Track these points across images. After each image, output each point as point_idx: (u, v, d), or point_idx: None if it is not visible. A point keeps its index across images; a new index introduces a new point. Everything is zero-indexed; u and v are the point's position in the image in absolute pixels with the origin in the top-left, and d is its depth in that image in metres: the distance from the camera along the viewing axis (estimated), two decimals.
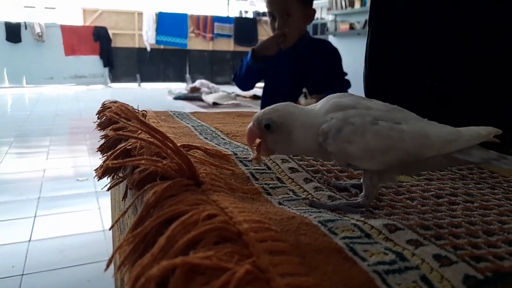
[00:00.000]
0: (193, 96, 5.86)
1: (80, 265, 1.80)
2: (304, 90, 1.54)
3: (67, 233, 2.09)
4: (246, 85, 1.58)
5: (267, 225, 0.26)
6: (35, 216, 2.09)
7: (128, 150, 0.39)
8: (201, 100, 5.55)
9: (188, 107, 4.96)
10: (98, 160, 0.45)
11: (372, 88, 0.69)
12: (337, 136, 0.33)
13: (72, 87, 7.02)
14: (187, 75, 8.28)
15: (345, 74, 1.65)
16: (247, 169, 0.43)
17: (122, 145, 0.39)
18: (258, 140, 0.37)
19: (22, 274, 1.63)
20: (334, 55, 1.61)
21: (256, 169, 0.43)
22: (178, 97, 5.83)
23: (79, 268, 1.79)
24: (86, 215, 2.09)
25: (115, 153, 0.38)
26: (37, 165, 2.74)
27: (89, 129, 3.20)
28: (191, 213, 0.26)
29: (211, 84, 6.61)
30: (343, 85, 1.59)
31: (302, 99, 1.53)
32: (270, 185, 0.39)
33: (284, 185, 0.40)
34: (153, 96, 6.23)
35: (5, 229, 2.01)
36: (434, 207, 0.36)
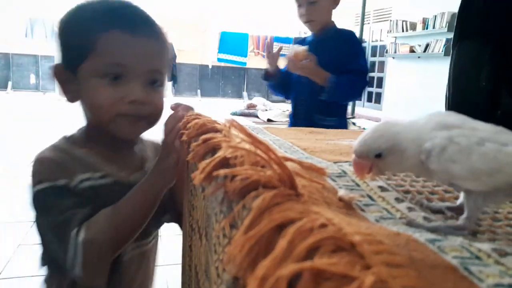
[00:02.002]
0: (249, 112, 5.97)
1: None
2: None
3: None
4: (277, 94, 1.63)
5: (379, 238, 0.26)
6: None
7: (226, 159, 0.41)
8: (257, 116, 5.64)
9: (244, 123, 5.05)
10: None
11: (456, 110, 0.68)
12: (441, 155, 0.33)
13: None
14: (244, 92, 8.46)
15: (364, 70, 1.58)
16: (336, 184, 0.43)
17: (221, 153, 0.41)
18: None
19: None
20: (353, 44, 1.55)
21: (345, 185, 0.44)
22: (235, 113, 5.97)
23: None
24: None
25: (215, 161, 0.40)
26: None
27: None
28: (305, 220, 0.27)
29: (267, 102, 6.70)
30: (357, 79, 1.52)
31: None
32: (363, 202, 0.39)
33: (375, 203, 0.40)
34: (214, 110, 6.44)
35: None
36: None
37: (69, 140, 0.79)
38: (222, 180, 0.42)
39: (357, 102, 7.40)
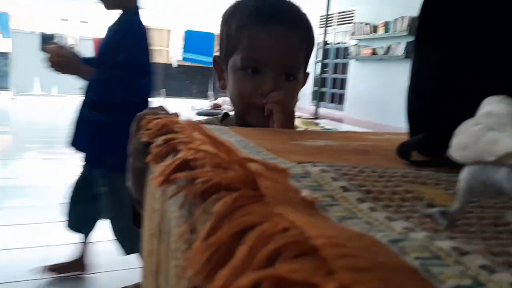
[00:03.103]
0: (214, 112, 5.94)
1: (101, 272, 1.81)
2: None
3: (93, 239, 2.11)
4: None
5: (342, 241, 0.26)
6: (55, 222, 2.12)
7: (187, 160, 0.39)
8: None
9: None
10: None
11: (416, 113, 0.69)
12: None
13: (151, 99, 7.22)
14: (210, 92, 8.41)
15: (133, 63, 1.55)
16: (300, 184, 0.43)
17: (181, 155, 0.40)
18: None
19: (38, 279, 1.64)
20: (124, 35, 1.45)
21: (308, 185, 0.43)
22: (200, 113, 5.93)
23: (101, 276, 1.80)
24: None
25: (175, 164, 0.38)
26: (60, 172, 2.80)
27: None
28: (266, 225, 0.26)
29: None
30: (124, 74, 1.47)
31: None
32: (326, 203, 0.39)
33: (338, 203, 0.40)
34: (178, 110, 6.36)
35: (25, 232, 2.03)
36: (496, 234, 0.36)
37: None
38: (182, 183, 0.40)
39: (320, 103, 7.53)
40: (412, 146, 0.64)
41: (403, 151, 0.63)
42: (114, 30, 1.56)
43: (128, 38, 1.54)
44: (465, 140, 0.38)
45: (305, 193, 0.39)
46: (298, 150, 0.65)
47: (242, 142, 0.65)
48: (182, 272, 0.36)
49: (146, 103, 1.88)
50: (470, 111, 0.64)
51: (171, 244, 0.52)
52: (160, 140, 0.49)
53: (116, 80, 1.52)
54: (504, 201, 0.48)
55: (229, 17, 0.89)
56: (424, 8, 0.66)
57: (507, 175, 0.33)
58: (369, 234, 0.30)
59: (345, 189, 0.44)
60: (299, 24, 0.86)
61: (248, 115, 0.85)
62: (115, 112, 1.67)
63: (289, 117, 0.87)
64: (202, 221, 0.36)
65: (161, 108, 0.78)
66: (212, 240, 0.27)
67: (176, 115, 0.73)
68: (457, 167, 0.60)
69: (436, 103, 0.66)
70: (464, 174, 0.37)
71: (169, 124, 0.56)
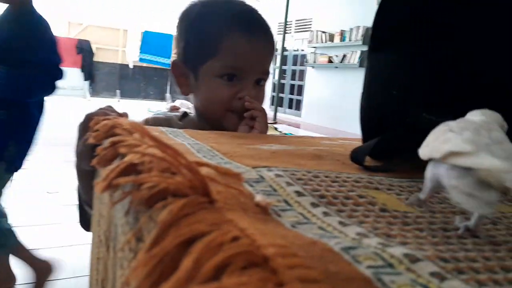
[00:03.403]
0: (172, 115, 5.83)
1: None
2: None
3: (36, 246, 2.00)
4: None
5: (293, 250, 0.25)
6: None
7: (133, 165, 0.37)
8: None
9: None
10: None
11: (369, 119, 0.70)
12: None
13: (49, 97, 6.88)
14: (168, 94, 8.27)
15: (48, 63, 1.44)
16: (254, 189, 0.42)
17: (127, 159, 0.37)
18: None
19: None
20: (30, 31, 1.34)
21: (262, 190, 0.42)
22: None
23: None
24: (54, 229, 2.01)
25: (120, 168, 0.36)
26: None
27: (64, 141, 3.12)
28: (215, 234, 0.24)
29: (191, 105, 6.60)
30: (37, 74, 1.37)
31: None
32: (279, 207, 0.38)
33: (292, 208, 0.39)
34: (132, 112, 6.17)
35: None
36: (445, 239, 0.36)
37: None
38: (128, 189, 0.38)
39: (278, 108, 7.62)
40: (364, 151, 0.64)
41: (356, 156, 0.64)
42: (7, 23, 1.42)
43: (27, 33, 1.42)
44: (429, 138, 0.40)
45: (258, 198, 0.38)
46: (253, 154, 0.64)
47: (196, 146, 0.63)
48: (126, 283, 0.34)
49: (42, 101, 1.78)
50: (420, 117, 0.66)
51: (118, 253, 0.49)
52: (106, 142, 0.46)
53: (16, 77, 1.42)
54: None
55: (195, 21, 0.86)
56: (377, 18, 0.68)
57: (446, 172, 0.36)
58: (322, 241, 0.29)
59: (299, 194, 0.43)
60: (269, 31, 0.88)
61: (225, 119, 0.87)
62: (14, 110, 1.59)
63: (267, 123, 0.91)
64: (148, 229, 0.33)
65: (110, 109, 0.74)
66: (155, 251, 0.25)
67: (125, 115, 0.70)
68: (408, 172, 0.61)
69: (386, 110, 0.68)
70: (428, 176, 0.40)
71: (117, 126, 0.53)
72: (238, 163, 0.54)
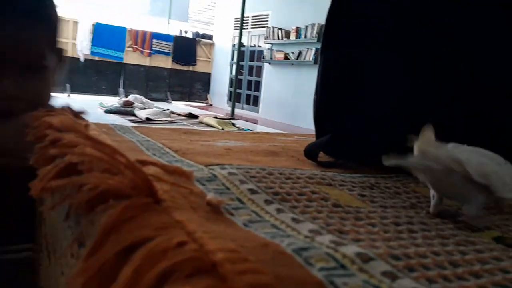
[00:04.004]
0: (125, 110, 5.64)
1: None
2: None
3: None
4: None
5: (243, 255, 0.23)
6: None
7: (73, 165, 0.34)
8: (134, 115, 5.35)
9: (119, 121, 4.76)
10: None
11: (322, 116, 0.70)
12: None
13: None
14: (121, 89, 8.01)
15: None
16: (205, 188, 0.40)
17: (66, 158, 0.34)
18: None
19: None
20: None
21: (214, 188, 0.41)
22: (109, 111, 5.58)
23: None
24: None
25: (57, 169, 0.33)
26: None
27: None
28: (158, 240, 0.22)
29: (145, 100, 6.43)
30: None
31: None
32: (232, 206, 0.37)
33: (245, 206, 0.38)
34: (84, 107, 5.89)
35: None
36: (397, 234, 0.36)
37: None
38: (67, 191, 0.35)
39: (236, 104, 7.60)
40: (318, 147, 0.65)
41: (310, 152, 0.64)
42: None
43: None
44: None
45: (210, 196, 0.37)
46: (207, 151, 0.62)
47: (146, 143, 0.61)
48: None
49: None
50: (370, 115, 0.67)
51: (60, 259, 0.46)
52: (46, 141, 0.43)
53: None
54: (403, 200, 0.50)
55: None
56: (329, 16, 0.68)
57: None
58: (275, 242, 0.28)
59: (252, 191, 0.42)
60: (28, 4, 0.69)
61: None
62: None
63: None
64: (91, 234, 0.31)
65: (66, 108, 0.64)
66: (93, 259, 0.23)
67: (81, 113, 0.64)
68: (360, 167, 0.62)
69: (338, 106, 0.68)
70: None
71: (61, 124, 0.49)
72: (190, 161, 0.52)
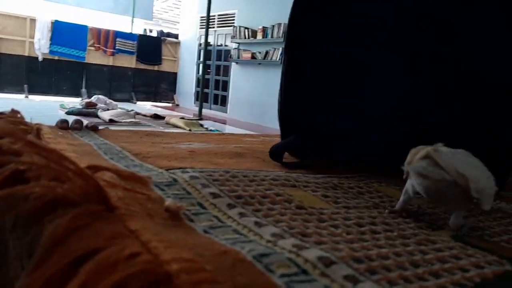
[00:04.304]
0: (88, 111, 5.45)
1: None
2: None
3: None
4: None
5: (200, 264, 0.22)
6: None
7: (20, 172, 0.32)
8: (97, 116, 5.19)
9: None
10: None
11: (286, 116, 0.70)
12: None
13: None
14: (83, 89, 7.76)
15: None
16: (165, 193, 0.39)
17: (11, 165, 0.32)
18: None
19: None
20: None
21: (174, 194, 0.39)
22: (71, 112, 5.38)
23: None
24: None
25: (2, 176, 0.31)
26: None
27: None
28: (109, 251, 0.21)
29: (109, 100, 6.25)
30: None
31: None
32: (192, 211, 0.36)
33: (207, 211, 0.37)
34: (42, 109, 5.66)
35: None
36: (359, 235, 0.36)
37: None
38: (14, 200, 0.33)
39: (204, 104, 7.53)
40: (282, 148, 0.64)
41: (275, 153, 0.63)
42: None
43: None
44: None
45: (168, 202, 0.35)
46: (169, 154, 0.60)
47: (105, 146, 0.58)
48: None
49: None
50: (337, 114, 0.67)
51: (11, 271, 0.43)
52: None
53: None
54: (366, 201, 0.50)
55: None
56: (291, 17, 0.68)
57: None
58: (235, 248, 0.27)
59: (215, 195, 0.41)
60: None
61: None
62: None
63: None
64: (39, 246, 0.29)
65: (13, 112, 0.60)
66: (38, 273, 0.21)
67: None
68: (324, 168, 0.62)
69: (302, 106, 0.68)
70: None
71: (8, 126, 0.46)
72: (150, 165, 0.50)
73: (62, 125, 0.65)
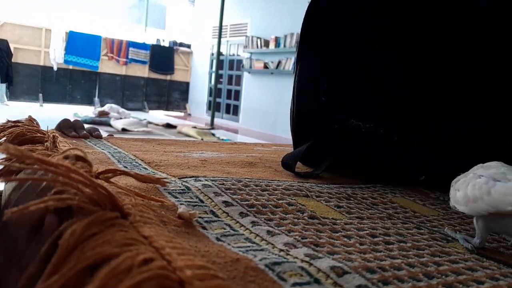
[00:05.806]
0: (100, 120, 5.53)
1: None
2: None
3: None
4: None
5: (212, 272, 0.22)
6: None
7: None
8: (110, 125, 5.26)
9: None
10: None
11: (299, 124, 0.70)
12: (454, 184, 0.42)
13: None
14: (96, 98, 7.87)
15: None
16: (178, 201, 0.39)
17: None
18: None
19: None
20: None
21: (187, 201, 0.40)
22: (84, 121, 5.46)
23: None
24: None
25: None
26: None
27: None
28: (123, 257, 0.21)
29: (121, 109, 6.32)
30: None
31: None
32: (205, 219, 0.36)
33: (219, 219, 0.37)
34: (56, 118, 5.74)
35: None
36: (372, 246, 0.36)
37: None
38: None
39: (216, 113, 7.58)
40: (295, 157, 0.64)
41: (287, 162, 0.63)
42: None
43: None
44: (472, 193, 0.39)
45: (181, 209, 0.36)
46: (182, 163, 0.61)
47: (118, 154, 0.59)
48: None
49: None
50: (347, 123, 0.67)
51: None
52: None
53: None
54: (380, 211, 0.50)
55: None
56: (304, 24, 0.68)
57: None
58: (247, 256, 0.27)
59: (227, 204, 0.41)
60: None
61: None
62: None
63: None
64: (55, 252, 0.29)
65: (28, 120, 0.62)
66: (54, 279, 0.21)
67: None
68: (337, 178, 0.62)
69: (315, 115, 0.68)
70: (481, 224, 0.40)
71: (28, 134, 0.47)
72: (163, 173, 0.50)
73: (72, 134, 0.66)
